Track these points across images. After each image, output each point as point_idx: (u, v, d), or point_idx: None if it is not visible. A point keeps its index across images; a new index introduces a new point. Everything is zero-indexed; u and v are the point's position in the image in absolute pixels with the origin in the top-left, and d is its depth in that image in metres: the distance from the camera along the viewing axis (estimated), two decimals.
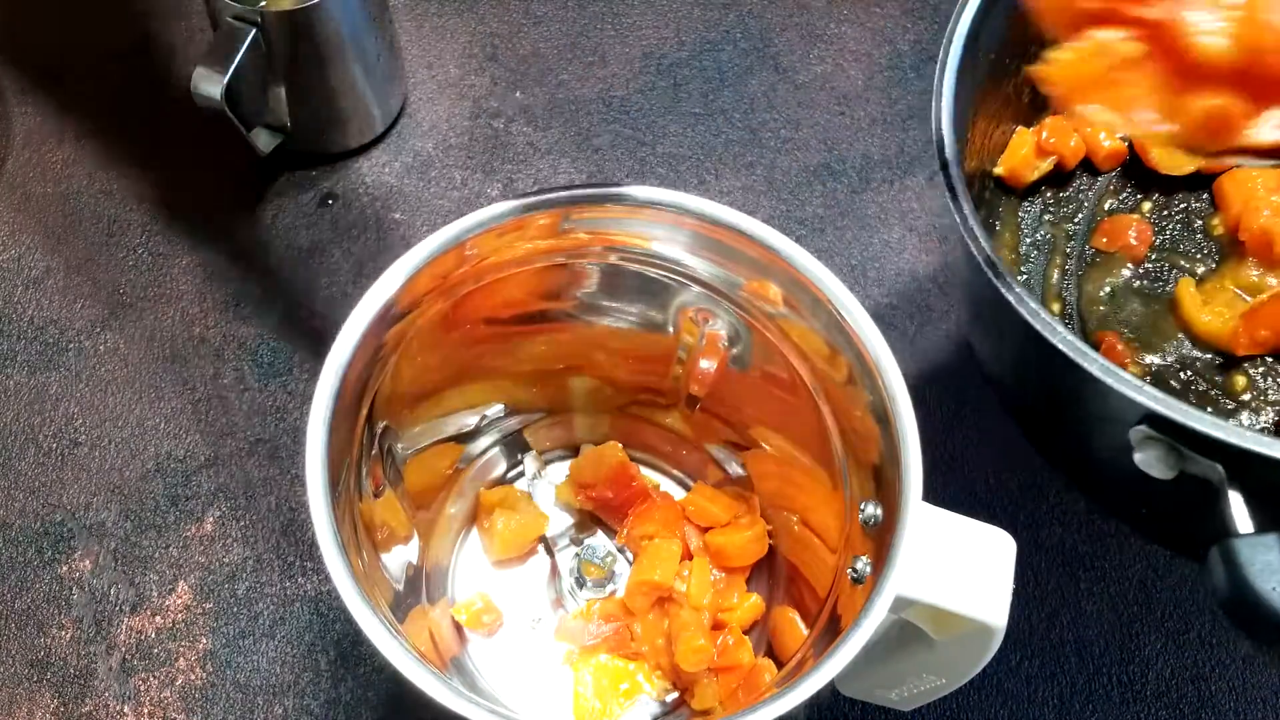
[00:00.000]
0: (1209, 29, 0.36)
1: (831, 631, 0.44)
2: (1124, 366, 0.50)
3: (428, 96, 0.69)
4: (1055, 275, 0.55)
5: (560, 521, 0.54)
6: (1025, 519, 0.56)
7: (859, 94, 0.69)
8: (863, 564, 0.43)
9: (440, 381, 0.51)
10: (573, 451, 0.55)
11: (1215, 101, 0.37)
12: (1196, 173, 0.56)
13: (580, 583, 0.52)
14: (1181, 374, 0.52)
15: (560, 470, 0.55)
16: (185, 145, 0.67)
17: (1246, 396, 0.51)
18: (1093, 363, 0.41)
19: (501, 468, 0.55)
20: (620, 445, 0.53)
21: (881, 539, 0.41)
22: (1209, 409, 0.51)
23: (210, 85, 0.58)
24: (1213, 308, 0.52)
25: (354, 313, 0.42)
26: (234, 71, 0.58)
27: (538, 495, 0.54)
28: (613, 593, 0.52)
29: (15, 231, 0.65)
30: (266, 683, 0.53)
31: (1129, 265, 0.55)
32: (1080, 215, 0.57)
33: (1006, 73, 0.54)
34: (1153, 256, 0.55)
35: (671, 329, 0.51)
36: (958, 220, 0.45)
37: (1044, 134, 0.56)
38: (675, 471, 0.56)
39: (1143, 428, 0.42)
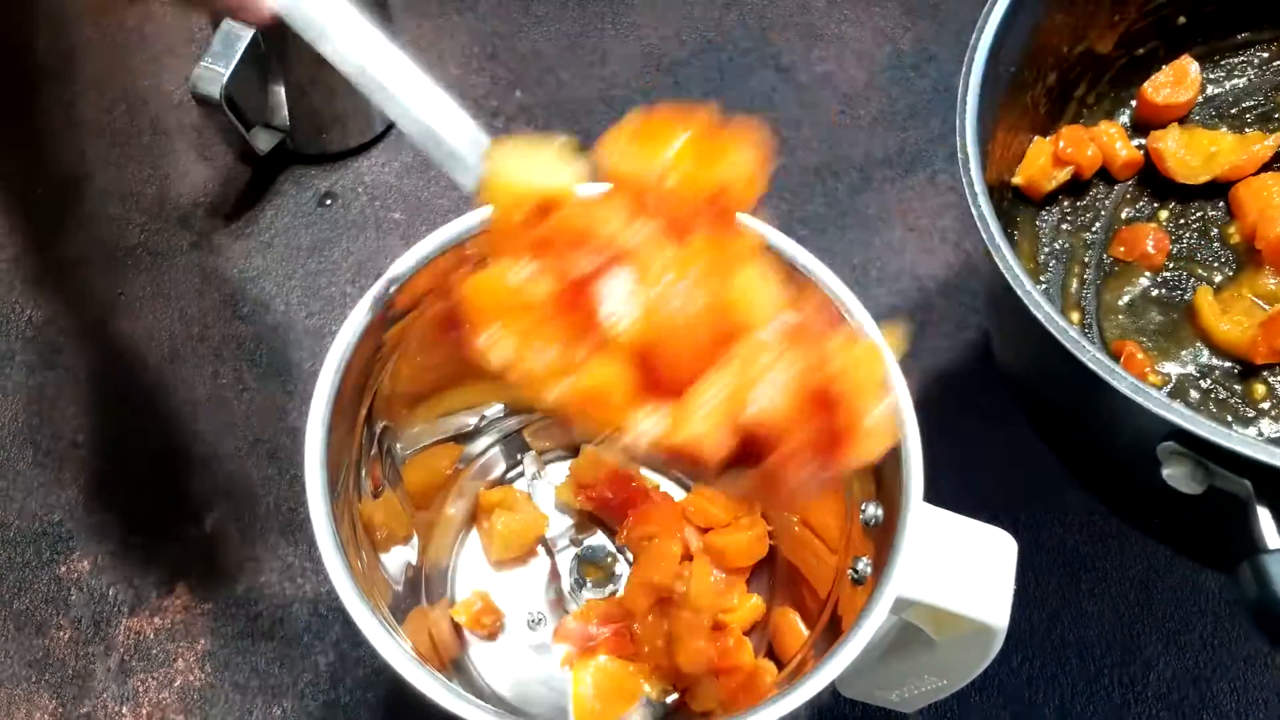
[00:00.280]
0: (615, 308, 0.34)
1: (832, 632, 0.44)
2: (1143, 376, 0.50)
3: None
4: (1074, 284, 0.55)
5: (560, 522, 0.54)
6: (1026, 520, 0.56)
7: (860, 93, 0.69)
8: (863, 564, 0.43)
9: (440, 381, 0.51)
10: (573, 451, 0.55)
11: (603, 372, 0.34)
12: (1212, 181, 0.56)
13: (580, 583, 0.52)
14: (1201, 382, 0.52)
15: (560, 470, 0.55)
16: (185, 145, 0.67)
17: (1266, 404, 0.51)
18: (1121, 380, 0.41)
19: (501, 468, 0.55)
20: None
21: (882, 539, 0.41)
22: (1229, 417, 0.51)
23: (210, 85, 0.58)
24: (1231, 316, 0.52)
25: (353, 313, 0.42)
26: (234, 71, 0.58)
27: (537, 496, 0.54)
28: (613, 594, 0.52)
29: (14, 231, 0.65)
30: (265, 683, 0.53)
31: (1147, 274, 0.55)
32: (1098, 224, 0.57)
33: (1025, 85, 0.54)
34: (1170, 265, 0.55)
35: None
36: (985, 238, 0.45)
37: (1060, 143, 0.56)
38: (675, 471, 0.55)
39: (1170, 444, 0.42)
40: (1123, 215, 0.57)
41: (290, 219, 0.65)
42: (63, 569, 0.56)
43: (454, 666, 0.50)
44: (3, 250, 0.64)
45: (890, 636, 0.45)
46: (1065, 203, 0.58)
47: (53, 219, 0.65)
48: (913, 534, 0.39)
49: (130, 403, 0.60)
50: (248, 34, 0.58)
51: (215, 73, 0.58)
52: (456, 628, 0.51)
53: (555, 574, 0.53)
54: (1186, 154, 0.57)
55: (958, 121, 0.47)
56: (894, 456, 0.41)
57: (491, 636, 0.51)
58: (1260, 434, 0.51)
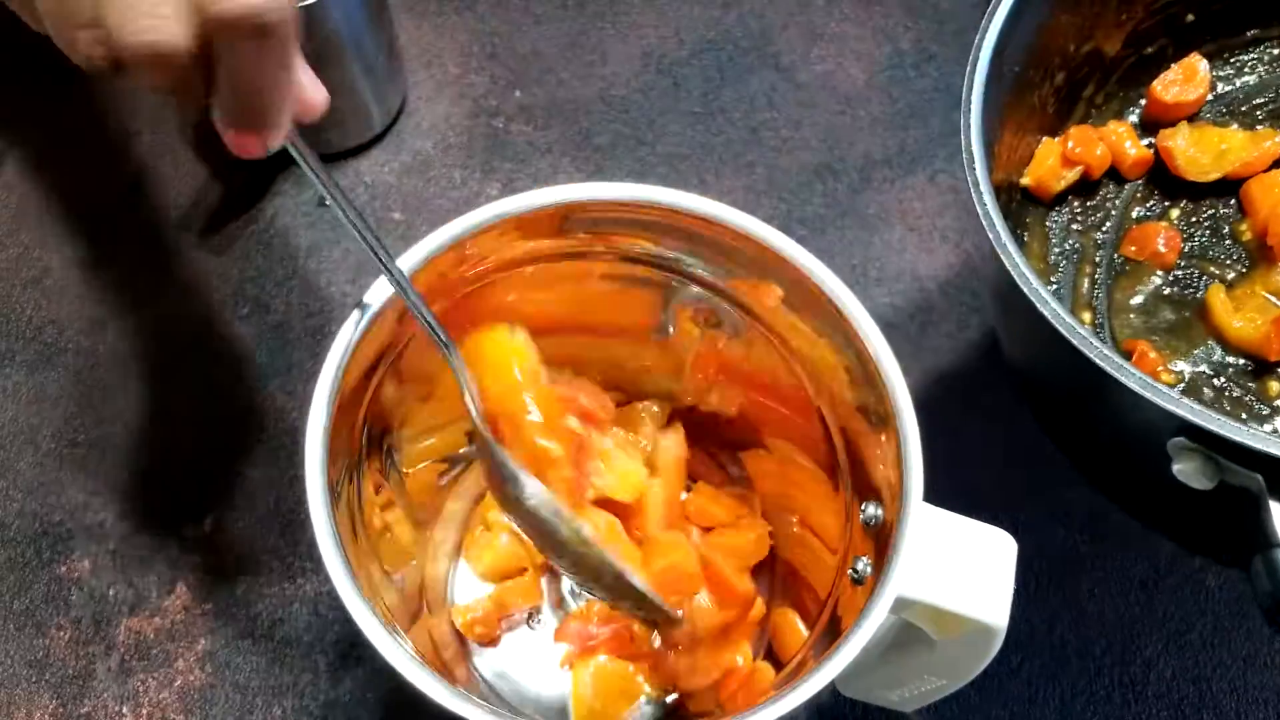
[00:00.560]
0: None
1: (832, 632, 0.44)
2: (1156, 375, 0.50)
3: (427, 96, 0.69)
4: (1085, 284, 0.55)
5: None
6: (1026, 520, 0.56)
7: (860, 93, 0.69)
8: (863, 564, 0.43)
9: (440, 381, 0.50)
10: None
11: None
12: (1223, 178, 0.56)
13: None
14: (1215, 380, 0.52)
15: None
16: (184, 144, 0.67)
17: None
18: (1130, 376, 0.41)
19: None
20: None
21: (882, 539, 0.41)
22: (1243, 415, 0.51)
23: None
24: (1244, 314, 0.52)
25: (353, 313, 0.42)
26: None
27: None
28: None
29: (14, 231, 0.65)
30: (265, 683, 0.53)
31: (1159, 273, 0.55)
32: (1108, 224, 0.57)
33: (1032, 85, 0.54)
34: (1182, 264, 0.55)
35: (672, 329, 0.51)
36: (990, 235, 0.45)
37: (1069, 144, 0.56)
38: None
39: (1181, 439, 0.42)
40: (1133, 215, 0.57)
41: (290, 219, 0.65)
42: (63, 569, 0.56)
43: (454, 666, 0.50)
44: (3, 250, 0.64)
45: (890, 636, 0.45)
46: (1075, 203, 0.58)
47: (53, 219, 0.65)
48: (913, 534, 0.39)
49: (130, 403, 0.60)
50: None
51: None
52: (456, 628, 0.51)
53: (555, 574, 0.53)
54: (1196, 152, 0.56)
55: (962, 118, 0.47)
56: (894, 456, 0.41)
57: (492, 642, 0.51)
58: (1275, 431, 0.51)
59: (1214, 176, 0.56)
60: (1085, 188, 0.58)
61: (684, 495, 0.54)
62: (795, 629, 0.49)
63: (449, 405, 0.52)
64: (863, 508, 0.44)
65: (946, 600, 0.39)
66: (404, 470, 0.50)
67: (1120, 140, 0.57)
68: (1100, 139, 0.57)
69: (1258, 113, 0.59)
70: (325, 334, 0.61)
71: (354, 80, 0.64)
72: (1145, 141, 0.58)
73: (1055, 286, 0.55)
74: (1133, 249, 0.56)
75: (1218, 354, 0.53)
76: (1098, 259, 0.56)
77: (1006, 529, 0.40)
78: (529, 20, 0.72)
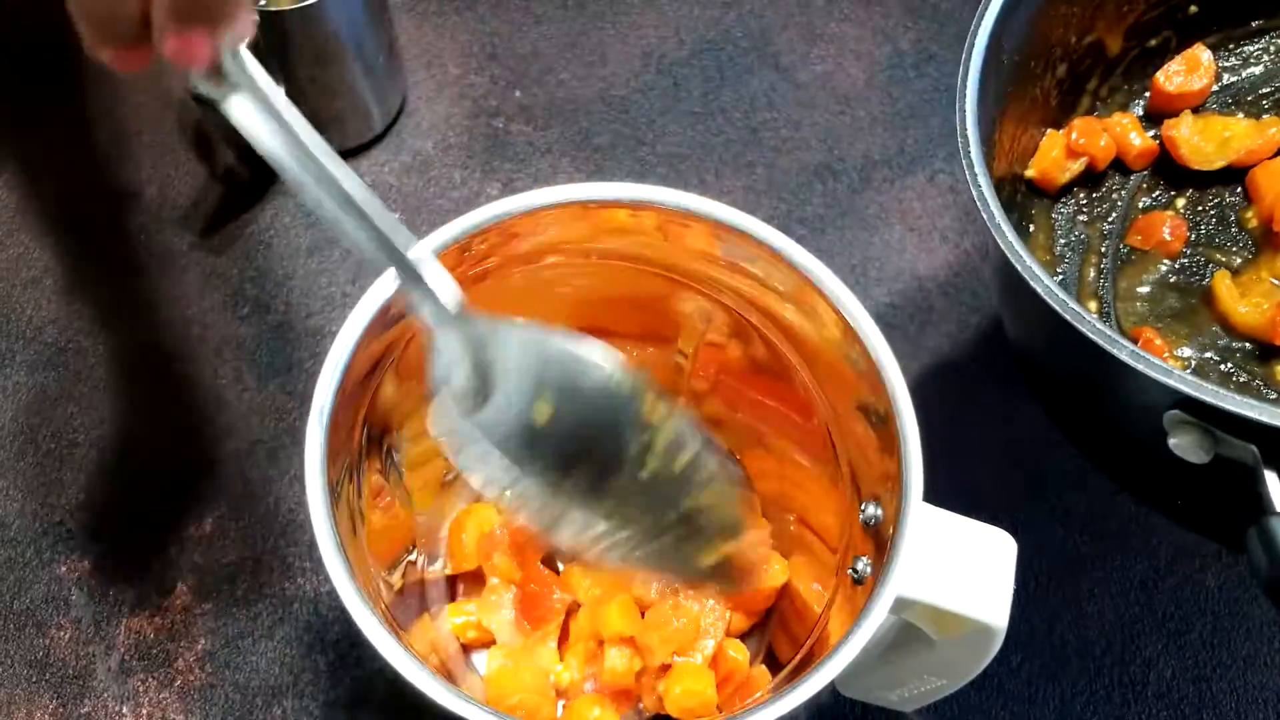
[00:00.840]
0: None
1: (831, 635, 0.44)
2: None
3: (427, 96, 0.69)
4: (1090, 274, 0.55)
5: None
6: (1026, 519, 0.56)
7: (859, 93, 0.69)
8: (863, 564, 0.43)
9: None
10: None
11: None
12: (1228, 167, 0.56)
13: None
14: (1221, 366, 0.52)
15: None
16: (185, 145, 0.67)
17: None
18: (1122, 349, 0.41)
19: None
20: None
21: (882, 539, 0.41)
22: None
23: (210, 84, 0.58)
24: (1249, 299, 0.52)
25: (353, 313, 0.42)
26: None
27: None
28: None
29: (14, 231, 0.65)
30: (265, 683, 0.53)
31: (1165, 261, 0.55)
32: (1114, 215, 0.57)
33: (1032, 76, 0.54)
34: (1188, 252, 0.55)
35: (672, 329, 0.51)
36: (979, 206, 0.45)
37: (1074, 135, 0.56)
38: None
39: (1176, 412, 0.42)
40: (1140, 205, 0.57)
41: (290, 219, 0.65)
42: (63, 568, 0.56)
43: (453, 666, 0.50)
44: (3, 250, 0.64)
45: (890, 636, 0.45)
46: (1081, 195, 0.58)
47: (53, 219, 0.65)
48: (912, 534, 0.39)
49: (130, 403, 0.60)
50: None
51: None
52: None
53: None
54: (1200, 140, 0.56)
55: (957, 101, 0.47)
56: (894, 456, 0.41)
57: (488, 644, 0.51)
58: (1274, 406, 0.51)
59: (1219, 165, 0.56)
60: (1091, 180, 0.58)
61: None
62: (794, 629, 0.49)
63: None
64: (862, 507, 0.44)
65: (946, 600, 0.39)
66: (404, 470, 0.50)
67: (1125, 131, 0.57)
68: (1104, 130, 0.57)
69: (1264, 102, 0.58)
70: (325, 334, 0.61)
71: (354, 80, 0.64)
72: (1151, 133, 0.58)
73: (1061, 277, 0.55)
74: (1138, 238, 0.56)
75: (1224, 339, 0.53)
76: (1103, 249, 0.56)
77: (1006, 529, 0.40)
78: (529, 20, 0.72)
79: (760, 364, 0.49)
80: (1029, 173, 0.56)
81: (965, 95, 0.47)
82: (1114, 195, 0.57)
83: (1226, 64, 0.59)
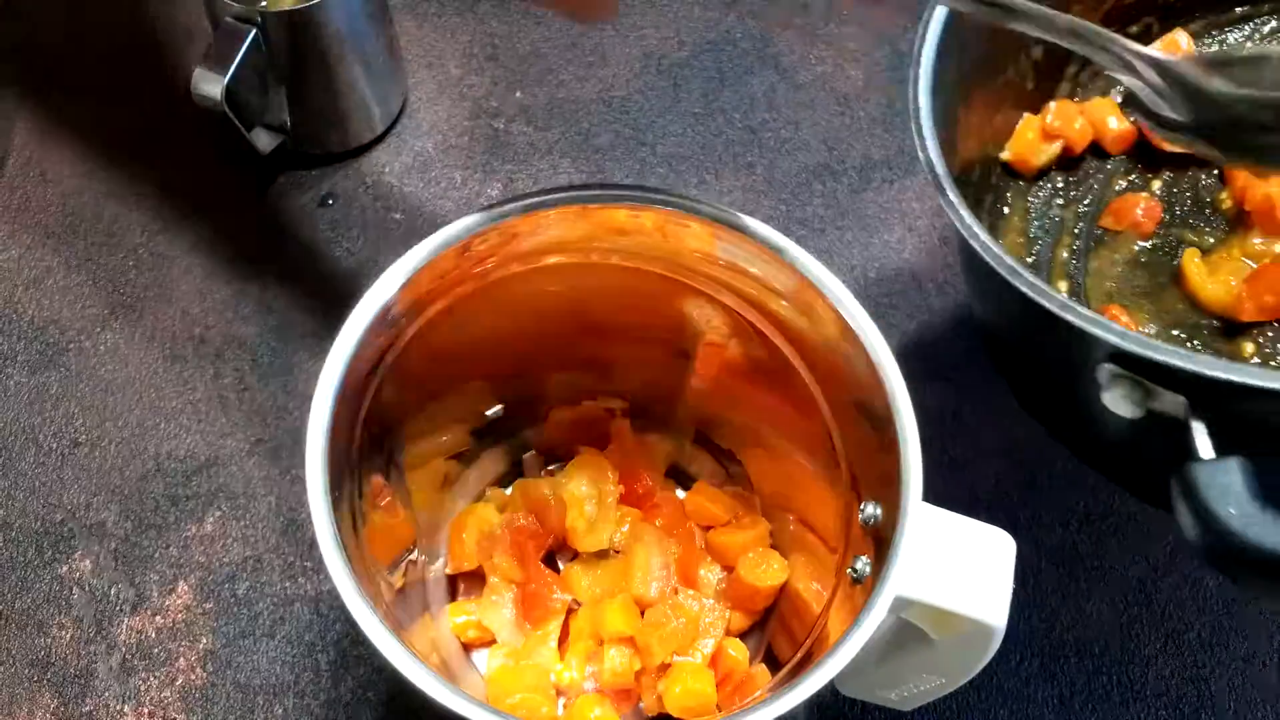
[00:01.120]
0: None
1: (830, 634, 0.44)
2: None
3: (428, 96, 0.69)
4: (1063, 255, 0.55)
5: None
6: (1025, 519, 0.56)
7: (859, 94, 0.69)
8: (863, 564, 0.43)
9: (440, 381, 0.51)
10: (573, 452, 0.55)
11: None
12: None
13: None
14: (1188, 343, 0.52)
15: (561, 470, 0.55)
16: (185, 145, 0.67)
17: (1255, 362, 0.51)
18: (1052, 301, 0.41)
19: (502, 468, 0.55)
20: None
21: (881, 539, 0.41)
22: None
23: (210, 85, 0.58)
24: (1218, 277, 0.52)
25: (354, 312, 0.42)
26: (234, 71, 0.58)
27: None
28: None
29: (15, 231, 0.65)
30: (266, 682, 0.53)
31: (1138, 242, 0.55)
32: (1090, 198, 0.57)
33: (1003, 56, 0.54)
34: (1160, 232, 0.55)
35: (672, 329, 0.51)
36: (923, 163, 0.45)
37: (1049, 118, 0.56)
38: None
39: (1109, 366, 0.42)
40: (1117, 188, 0.57)
41: (291, 219, 0.65)
42: (64, 568, 0.56)
43: (454, 665, 0.50)
44: (4, 250, 0.64)
45: (889, 635, 0.45)
46: (1058, 178, 0.57)
47: (54, 219, 0.66)
48: (912, 533, 0.39)
49: (131, 403, 0.60)
50: (248, 34, 0.58)
51: (215, 73, 0.58)
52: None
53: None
54: None
55: (911, 70, 0.47)
56: (893, 456, 0.41)
57: (488, 643, 0.52)
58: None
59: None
60: (1069, 164, 0.58)
61: (681, 494, 0.54)
62: (794, 628, 0.49)
63: (450, 405, 0.52)
64: (862, 507, 0.44)
65: (946, 600, 0.39)
66: (404, 470, 0.50)
67: (1103, 115, 0.57)
68: (1081, 113, 0.57)
69: None
70: (325, 334, 0.61)
71: (355, 80, 0.64)
72: (1132, 117, 0.58)
73: (1033, 258, 0.55)
74: (1111, 220, 0.56)
75: (1191, 317, 0.53)
76: (1077, 230, 0.56)
77: (1006, 529, 0.40)
78: (529, 21, 0.72)
79: (760, 364, 0.49)
80: (1004, 155, 0.56)
81: (920, 63, 0.47)
82: (1091, 179, 0.57)
83: (1210, 50, 0.59)
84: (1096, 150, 0.58)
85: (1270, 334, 0.52)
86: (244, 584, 0.55)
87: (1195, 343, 0.52)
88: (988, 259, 0.43)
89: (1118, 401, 0.42)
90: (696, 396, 0.53)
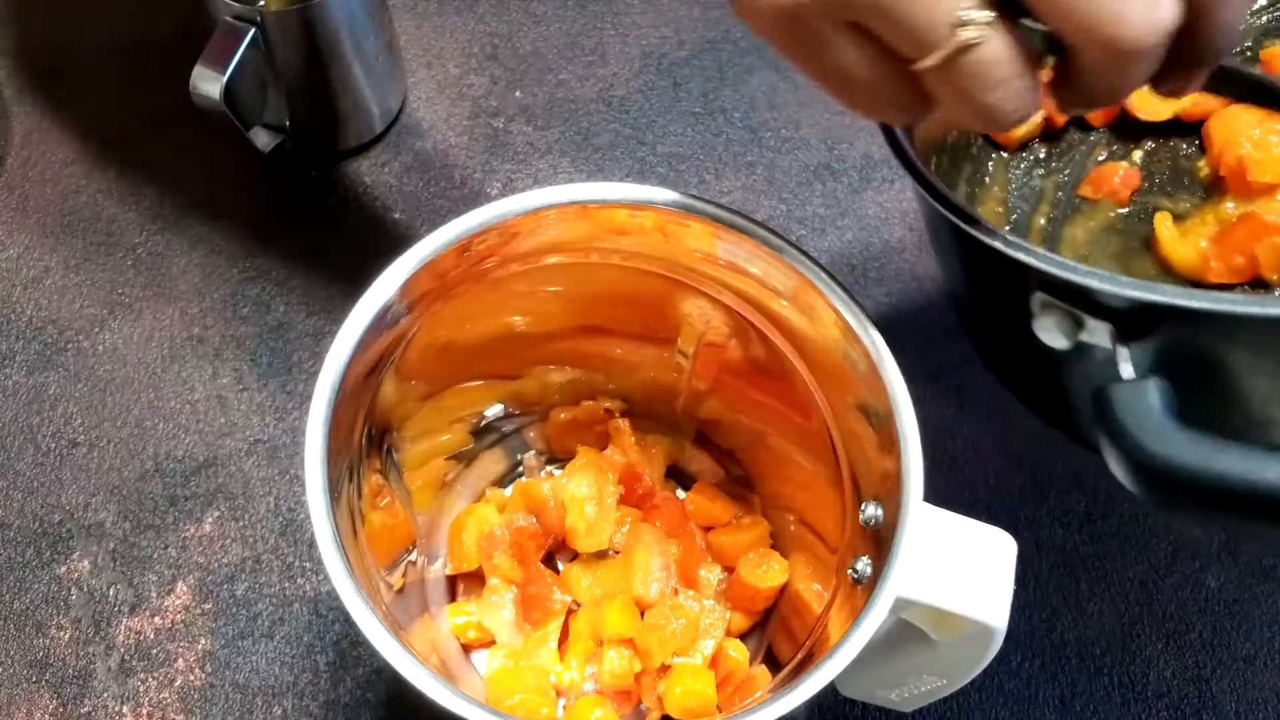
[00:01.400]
0: None
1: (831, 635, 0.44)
2: None
3: (427, 96, 0.69)
4: (1040, 222, 0.55)
5: None
6: (1026, 519, 0.56)
7: None
8: (863, 564, 0.43)
9: (440, 381, 0.51)
10: (573, 452, 0.55)
11: None
12: (1178, 120, 0.56)
13: None
14: None
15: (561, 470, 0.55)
16: (185, 145, 0.67)
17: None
18: (979, 229, 0.41)
19: (502, 468, 0.55)
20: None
21: (882, 539, 0.41)
22: None
23: (209, 85, 0.58)
24: (1189, 240, 0.52)
25: (353, 312, 0.42)
26: (233, 71, 0.58)
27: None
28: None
29: (14, 231, 0.65)
30: (265, 683, 0.53)
31: (1114, 209, 0.55)
32: (1070, 169, 0.57)
33: None
34: (1137, 200, 0.55)
35: (672, 329, 0.51)
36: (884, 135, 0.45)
37: None
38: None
39: (1040, 294, 0.41)
40: (1098, 159, 0.57)
41: (291, 219, 0.65)
42: (63, 569, 0.56)
43: (454, 666, 0.50)
44: (3, 250, 0.64)
45: (890, 636, 0.45)
46: (1040, 150, 0.57)
47: (51, 218, 0.65)
48: (912, 534, 0.39)
49: (130, 403, 0.60)
50: (247, 33, 0.58)
51: (214, 73, 0.58)
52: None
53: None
54: (1147, 89, 0.56)
55: None
56: (894, 456, 0.41)
57: (490, 637, 0.52)
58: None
59: (1166, 115, 0.56)
60: (1052, 135, 0.57)
61: (681, 495, 0.54)
62: (794, 629, 0.49)
63: (450, 405, 0.52)
64: (862, 507, 0.44)
65: (946, 600, 0.39)
66: (404, 470, 0.50)
67: None
68: None
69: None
70: (325, 334, 0.61)
71: (354, 80, 0.64)
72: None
73: (1011, 226, 0.55)
74: (1089, 189, 0.56)
75: (1162, 281, 0.52)
76: (1056, 199, 0.56)
77: (1007, 529, 0.40)
78: (529, 20, 0.72)
79: (760, 364, 0.49)
80: None
81: None
82: (1073, 150, 0.57)
83: None
84: (1080, 123, 0.58)
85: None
86: (243, 585, 0.55)
87: None
88: (923, 190, 0.42)
89: (1049, 331, 0.41)
90: (696, 396, 0.53)
